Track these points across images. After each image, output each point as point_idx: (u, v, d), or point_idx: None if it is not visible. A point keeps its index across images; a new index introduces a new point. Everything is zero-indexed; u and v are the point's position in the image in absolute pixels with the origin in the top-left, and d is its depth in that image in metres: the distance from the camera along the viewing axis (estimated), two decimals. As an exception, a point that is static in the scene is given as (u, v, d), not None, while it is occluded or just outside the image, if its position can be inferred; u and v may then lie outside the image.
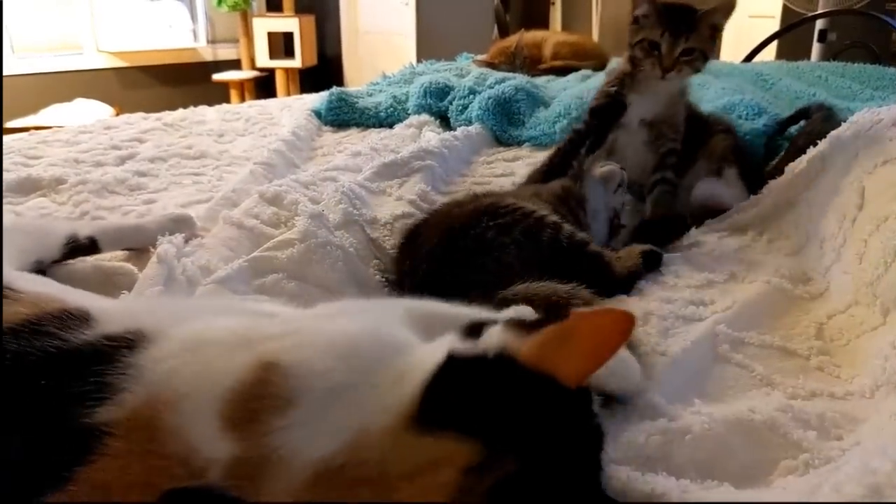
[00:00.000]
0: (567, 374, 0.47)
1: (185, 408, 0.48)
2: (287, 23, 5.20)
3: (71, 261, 0.97)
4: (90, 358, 0.52)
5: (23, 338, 0.53)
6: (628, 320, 0.49)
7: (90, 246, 0.98)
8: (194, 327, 0.56)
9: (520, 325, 0.50)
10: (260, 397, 0.47)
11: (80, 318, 0.57)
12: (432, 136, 1.81)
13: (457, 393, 0.46)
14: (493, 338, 0.49)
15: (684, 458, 0.61)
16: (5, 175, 1.42)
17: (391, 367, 0.49)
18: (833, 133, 1.16)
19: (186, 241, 1.05)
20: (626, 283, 0.98)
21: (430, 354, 0.50)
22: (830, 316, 0.89)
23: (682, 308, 0.91)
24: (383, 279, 1.03)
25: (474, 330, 0.52)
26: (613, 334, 0.49)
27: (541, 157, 1.71)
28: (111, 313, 0.59)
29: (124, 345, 0.53)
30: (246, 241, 1.09)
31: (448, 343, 0.51)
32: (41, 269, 0.87)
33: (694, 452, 0.61)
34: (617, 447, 0.62)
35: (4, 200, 1.33)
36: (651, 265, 1.02)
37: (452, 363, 0.48)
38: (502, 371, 0.47)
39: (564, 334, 0.47)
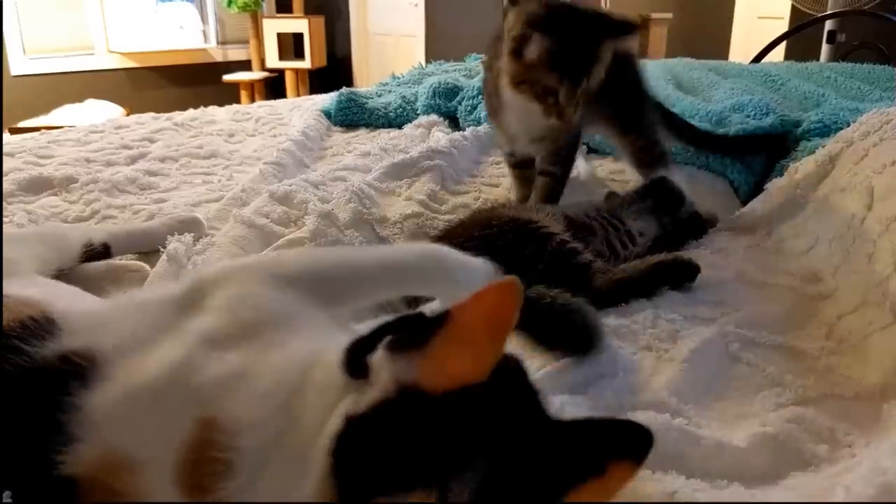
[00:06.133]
0: (476, 372, 0.43)
1: (145, 474, 0.45)
2: (297, 24, 5.22)
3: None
4: (47, 383, 0.48)
5: None
6: (511, 287, 0.45)
7: (104, 252, 1.00)
8: (136, 368, 0.50)
9: (402, 344, 0.44)
10: (205, 462, 0.44)
11: (45, 326, 0.52)
12: (441, 136, 1.82)
13: (372, 457, 0.41)
14: (384, 372, 0.44)
15: (696, 462, 0.60)
16: (17, 174, 1.43)
17: (315, 419, 0.45)
18: (842, 133, 1.16)
19: (196, 240, 1.06)
20: (606, 298, 0.89)
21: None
22: (840, 316, 0.89)
23: (691, 308, 0.90)
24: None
25: (356, 354, 0.46)
26: (503, 308, 0.44)
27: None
28: (79, 322, 0.55)
29: (73, 370, 0.49)
30: (256, 240, 1.10)
31: (327, 374, 0.46)
32: (60, 276, 0.88)
33: (706, 459, 0.61)
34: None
35: (16, 200, 1.34)
36: (678, 278, 0.96)
37: (353, 426, 0.42)
38: (412, 411, 0.42)
39: (455, 335, 0.43)
